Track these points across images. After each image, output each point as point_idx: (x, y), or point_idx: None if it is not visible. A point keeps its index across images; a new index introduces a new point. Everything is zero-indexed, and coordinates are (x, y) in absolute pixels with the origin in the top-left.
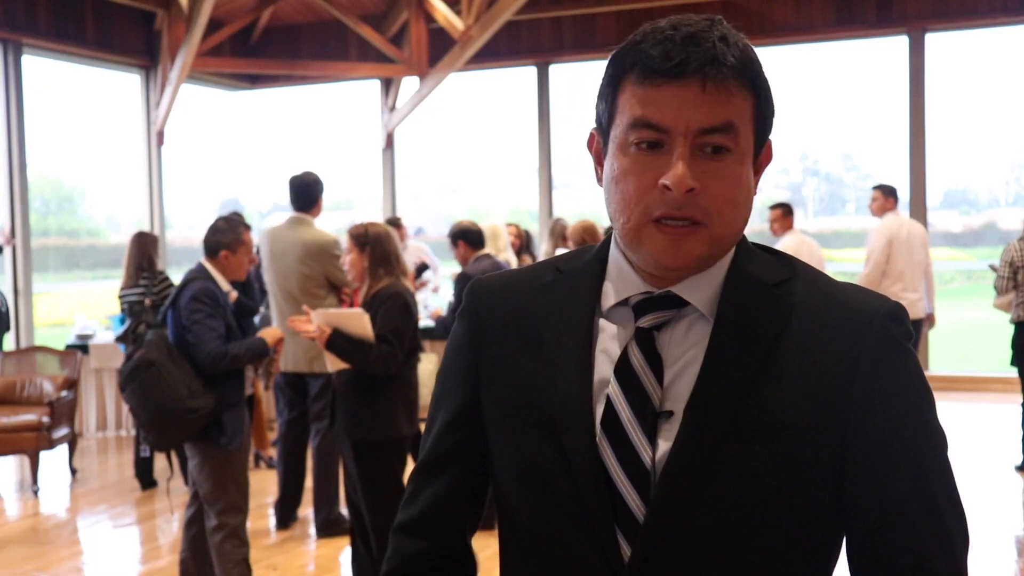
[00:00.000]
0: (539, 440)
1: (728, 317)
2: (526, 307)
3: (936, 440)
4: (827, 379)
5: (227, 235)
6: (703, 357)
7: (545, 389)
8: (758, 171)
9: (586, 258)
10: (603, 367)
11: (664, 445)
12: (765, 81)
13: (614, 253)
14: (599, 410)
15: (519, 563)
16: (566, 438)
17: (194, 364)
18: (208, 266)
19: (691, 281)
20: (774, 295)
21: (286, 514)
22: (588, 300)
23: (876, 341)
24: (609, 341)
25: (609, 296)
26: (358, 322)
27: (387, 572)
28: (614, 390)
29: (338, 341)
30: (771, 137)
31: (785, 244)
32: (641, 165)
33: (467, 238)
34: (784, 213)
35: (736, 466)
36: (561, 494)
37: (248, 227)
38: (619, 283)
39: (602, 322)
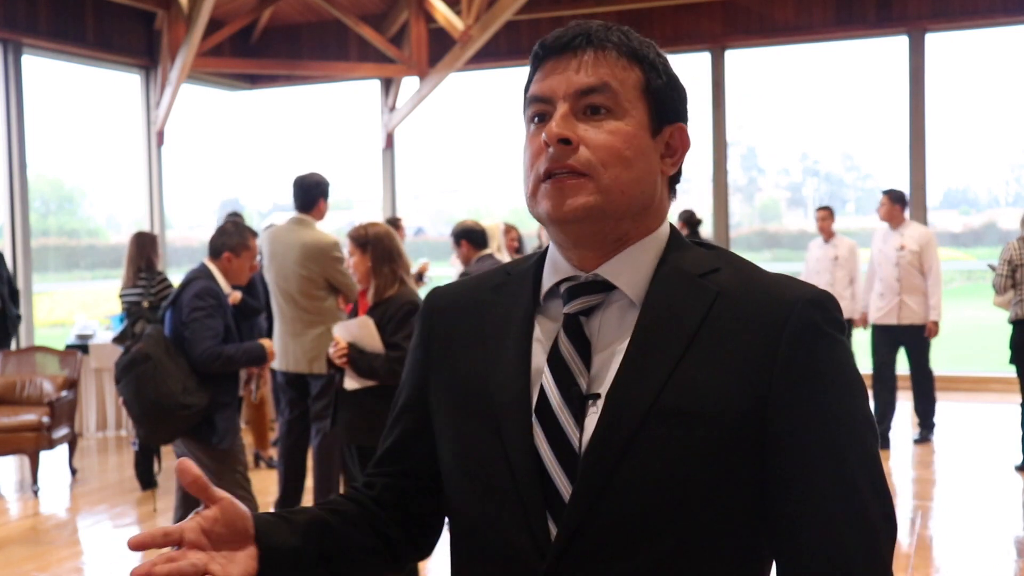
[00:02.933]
0: (479, 430)
1: (653, 304)
2: (475, 309)
3: (861, 428)
4: (748, 364)
5: (233, 238)
6: (627, 342)
7: (486, 381)
8: (673, 154)
9: (532, 259)
10: (538, 356)
11: (591, 427)
12: (661, 66)
13: (551, 246)
14: (534, 397)
15: (462, 550)
16: (503, 426)
17: (189, 361)
18: (211, 266)
19: (616, 263)
20: (699, 284)
21: None
22: (527, 295)
23: (796, 327)
24: (544, 330)
25: (544, 286)
26: (366, 330)
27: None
28: (546, 377)
29: (352, 354)
30: (685, 125)
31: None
32: (534, 136)
33: (470, 238)
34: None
35: (657, 449)
36: (497, 479)
37: (255, 234)
38: (551, 271)
39: (539, 314)
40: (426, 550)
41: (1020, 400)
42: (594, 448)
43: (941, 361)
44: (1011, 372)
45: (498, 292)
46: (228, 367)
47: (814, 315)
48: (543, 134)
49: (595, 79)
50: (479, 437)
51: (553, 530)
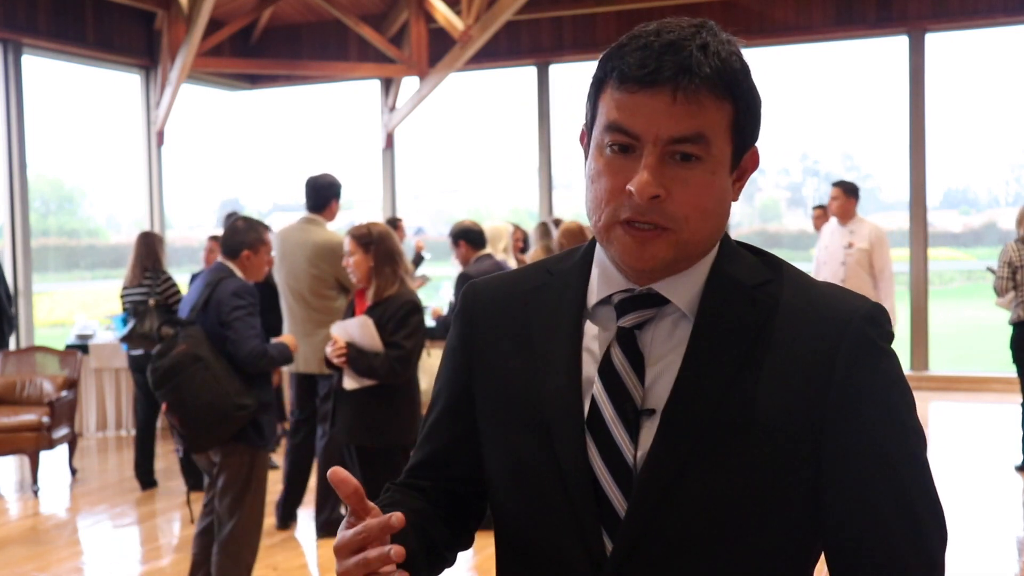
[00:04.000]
0: (529, 439)
1: (708, 318)
2: (518, 309)
3: (913, 440)
4: (804, 379)
5: (249, 235)
6: (683, 357)
7: (535, 389)
8: (742, 177)
9: (575, 259)
10: (588, 366)
11: (645, 443)
12: (748, 90)
13: (599, 251)
14: (585, 409)
15: (511, 559)
16: (555, 437)
17: (234, 361)
18: (231, 266)
19: (673, 279)
20: (754, 297)
21: (287, 513)
22: (575, 300)
23: (853, 342)
24: (593, 340)
25: (594, 295)
26: (366, 329)
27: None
28: (598, 389)
29: (350, 353)
30: (757, 144)
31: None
32: (613, 167)
33: (468, 238)
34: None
35: (714, 465)
36: (549, 491)
37: (267, 227)
38: (603, 281)
39: (588, 321)
40: (470, 543)
41: (1020, 400)
42: (650, 465)
43: (941, 361)
44: (1011, 372)
45: (541, 293)
46: (270, 366)
47: (870, 331)
48: (630, 184)
49: (690, 129)
50: (529, 448)
51: (608, 545)
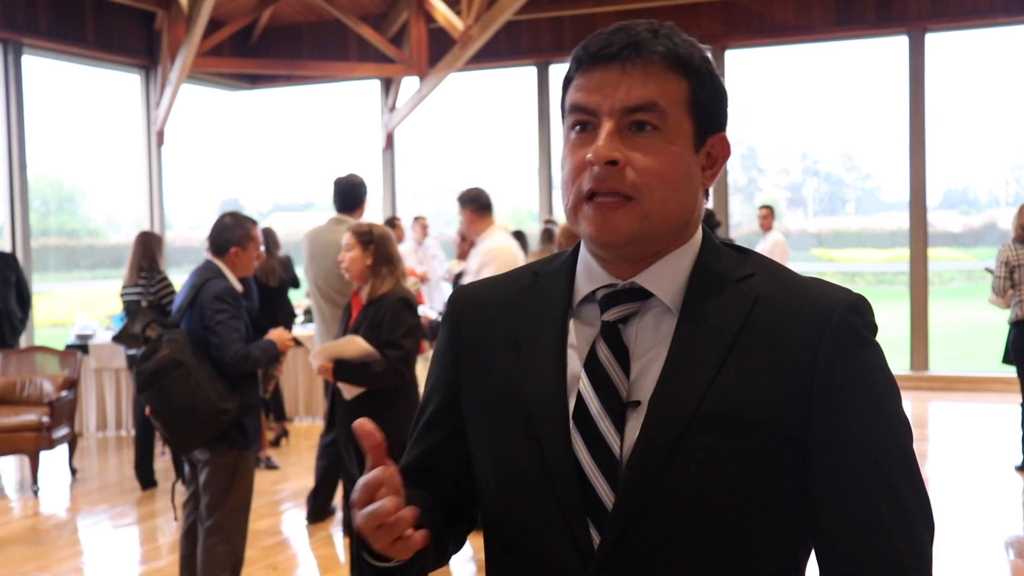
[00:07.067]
0: (516, 436)
1: (692, 310)
2: (504, 311)
3: (899, 430)
4: (789, 369)
5: (236, 231)
6: (668, 349)
7: (521, 387)
8: (713, 165)
9: (561, 260)
10: (574, 362)
11: (631, 435)
12: (707, 74)
13: (582, 250)
14: (571, 404)
15: (500, 558)
16: (541, 432)
17: (215, 365)
18: (218, 264)
19: (654, 271)
20: (737, 289)
21: (320, 507)
22: (561, 299)
23: (836, 331)
24: (579, 337)
25: (578, 292)
26: (354, 347)
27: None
28: (584, 384)
29: (343, 371)
30: (726, 133)
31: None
32: (575, 147)
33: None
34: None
35: (701, 455)
36: (536, 487)
37: (255, 222)
38: (586, 278)
39: (573, 319)
40: (461, 544)
41: (1020, 400)
42: (637, 456)
43: (941, 361)
44: (1010, 372)
45: (527, 294)
46: (255, 367)
47: (853, 320)
48: (589, 153)
49: (644, 97)
50: (515, 444)
51: (595, 537)
